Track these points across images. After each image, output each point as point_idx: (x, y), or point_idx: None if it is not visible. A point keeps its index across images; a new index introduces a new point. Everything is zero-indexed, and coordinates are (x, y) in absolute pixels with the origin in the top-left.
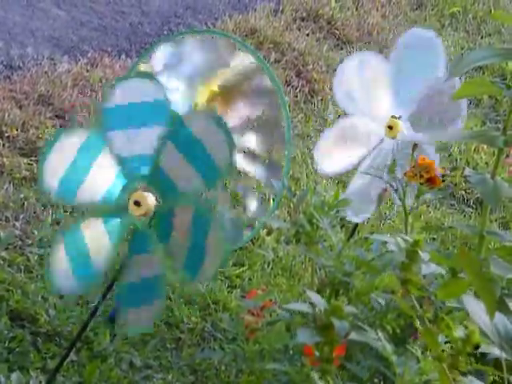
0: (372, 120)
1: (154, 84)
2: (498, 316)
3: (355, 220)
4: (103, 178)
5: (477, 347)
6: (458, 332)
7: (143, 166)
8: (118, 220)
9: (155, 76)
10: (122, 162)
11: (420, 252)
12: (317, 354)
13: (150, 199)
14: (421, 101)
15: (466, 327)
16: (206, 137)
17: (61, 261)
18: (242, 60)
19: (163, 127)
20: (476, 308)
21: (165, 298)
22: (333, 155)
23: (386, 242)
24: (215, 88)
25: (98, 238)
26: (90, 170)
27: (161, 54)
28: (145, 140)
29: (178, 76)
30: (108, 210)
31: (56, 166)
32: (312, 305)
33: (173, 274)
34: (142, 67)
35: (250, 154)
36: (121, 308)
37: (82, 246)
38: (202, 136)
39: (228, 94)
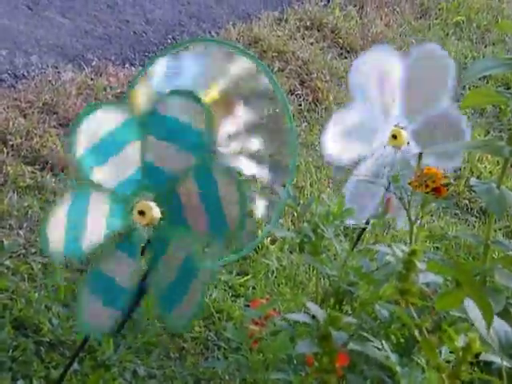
0: (378, 118)
1: (201, 109)
2: (499, 323)
3: (351, 223)
4: (121, 170)
5: (477, 355)
6: (460, 342)
7: (160, 179)
8: (121, 215)
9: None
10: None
11: (417, 262)
12: (316, 364)
13: (155, 211)
14: (426, 121)
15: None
16: (226, 196)
17: (59, 219)
18: (240, 65)
19: (194, 155)
20: (478, 315)
21: (122, 314)
22: (339, 142)
23: (387, 254)
24: (215, 95)
25: (97, 219)
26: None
27: (158, 66)
28: (172, 158)
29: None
30: (117, 200)
31: (85, 137)
32: (314, 316)
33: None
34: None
35: (255, 159)
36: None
37: (82, 215)
38: (223, 193)
39: (228, 99)
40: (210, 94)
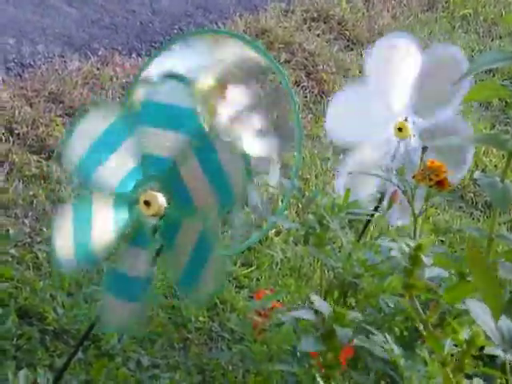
0: (386, 107)
1: (189, 89)
2: (503, 319)
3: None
4: (121, 167)
5: (481, 349)
6: (464, 335)
7: (160, 167)
8: (126, 211)
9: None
10: (142, 158)
11: (423, 256)
12: (321, 360)
13: (161, 200)
14: (433, 124)
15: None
16: (228, 163)
17: (65, 230)
18: (233, 49)
19: (189, 135)
20: (480, 311)
21: (146, 304)
22: (343, 122)
23: (391, 248)
24: (210, 82)
25: (103, 221)
26: (112, 154)
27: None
28: (168, 143)
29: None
30: (120, 197)
31: (81, 141)
32: (316, 311)
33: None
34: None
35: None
36: (103, 296)
37: (87, 221)
38: (225, 161)
39: (224, 84)
40: (206, 82)
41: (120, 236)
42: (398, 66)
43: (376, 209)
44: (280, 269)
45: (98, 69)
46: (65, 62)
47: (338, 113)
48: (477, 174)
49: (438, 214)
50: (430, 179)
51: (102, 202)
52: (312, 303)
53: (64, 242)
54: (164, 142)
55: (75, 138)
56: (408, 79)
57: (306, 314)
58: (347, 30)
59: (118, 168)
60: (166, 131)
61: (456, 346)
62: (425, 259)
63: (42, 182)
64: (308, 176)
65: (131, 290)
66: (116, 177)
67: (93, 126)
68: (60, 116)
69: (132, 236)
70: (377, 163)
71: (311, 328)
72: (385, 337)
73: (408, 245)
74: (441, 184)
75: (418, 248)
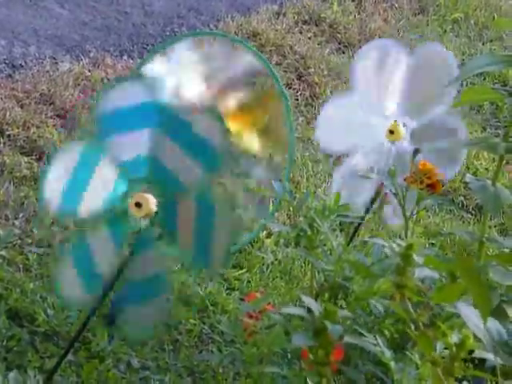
0: (376, 111)
1: (143, 85)
2: (492, 321)
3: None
4: (104, 187)
5: (471, 352)
6: (453, 338)
7: (141, 168)
8: (122, 225)
9: (149, 77)
10: (120, 167)
11: (415, 256)
12: (311, 357)
13: (151, 200)
14: (425, 122)
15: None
16: (202, 126)
17: (69, 274)
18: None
19: (156, 127)
20: (470, 313)
21: (166, 297)
22: (333, 131)
23: (384, 246)
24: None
25: (103, 245)
26: (91, 180)
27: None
28: (140, 142)
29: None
30: (111, 217)
31: (56, 182)
32: (309, 309)
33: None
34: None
35: (251, 156)
36: (122, 308)
37: (89, 257)
38: (198, 126)
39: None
40: (229, 108)
41: (122, 249)
42: (385, 70)
43: (367, 211)
44: (271, 271)
45: (89, 70)
46: (56, 63)
47: (327, 124)
48: (468, 178)
49: (429, 217)
50: (422, 182)
51: (96, 227)
52: (302, 303)
53: (69, 282)
54: (135, 142)
55: (50, 180)
56: (396, 82)
57: (297, 311)
58: (339, 32)
59: (102, 187)
60: (133, 132)
61: (446, 349)
62: (416, 258)
63: (33, 183)
64: (299, 178)
65: (150, 289)
66: (103, 195)
67: (64, 162)
68: (51, 117)
69: (134, 245)
70: (370, 167)
71: (302, 329)
72: (375, 339)
73: (399, 244)
74: (432, 187)
75: (410, 247)
